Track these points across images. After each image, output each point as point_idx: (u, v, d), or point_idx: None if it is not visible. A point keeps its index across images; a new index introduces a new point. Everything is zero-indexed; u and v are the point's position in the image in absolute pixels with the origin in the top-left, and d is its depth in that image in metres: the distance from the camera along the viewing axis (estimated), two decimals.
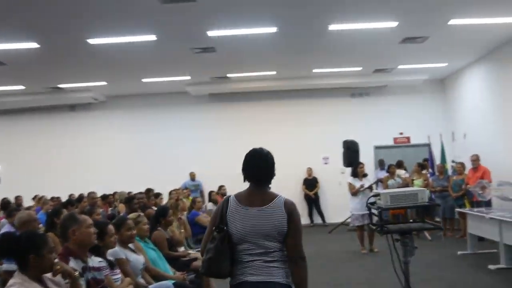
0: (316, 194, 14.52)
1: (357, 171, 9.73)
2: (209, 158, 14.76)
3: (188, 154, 14.79)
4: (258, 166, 3.28)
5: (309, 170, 14.56)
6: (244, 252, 3.07)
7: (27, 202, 12.48)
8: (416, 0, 8.02)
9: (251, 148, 3.44)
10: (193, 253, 7.01)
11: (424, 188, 4.97)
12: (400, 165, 12.47)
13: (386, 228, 4.50)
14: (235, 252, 3.08)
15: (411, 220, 4.94)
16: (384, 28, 9.31)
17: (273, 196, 3.17)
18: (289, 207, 3.11)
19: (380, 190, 11.80)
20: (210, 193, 11.55)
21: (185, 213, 8.96)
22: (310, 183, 14.55)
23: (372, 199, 5.02)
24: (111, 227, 4.54)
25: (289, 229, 3.06)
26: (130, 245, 5.05)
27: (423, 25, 9.33)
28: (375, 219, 5.36)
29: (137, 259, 4.92)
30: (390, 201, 4.49)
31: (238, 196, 3.23)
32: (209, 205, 11.10)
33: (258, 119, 15.03)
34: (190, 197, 12.16)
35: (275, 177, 3.31)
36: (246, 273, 3.04)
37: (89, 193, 10.52)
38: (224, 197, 3.36)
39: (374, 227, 4.58)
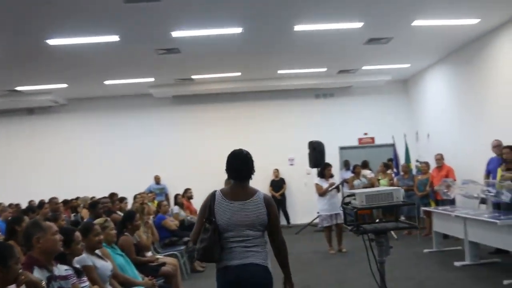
0: (283, 195, 14.48)
1: (325, 173, 9.73)
2: (174, 161, 14.63)
3: (153, 157, 14.62)
4: (239, 165, 3.74)
5: (276, 172, 14.55)
6: (228, 239, 3.54)
7: None
8: (380, 1, 8.06)
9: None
10: (161, 257, 6.90)
11: (399, 188, 4.98)
12: (365, 165, 12.57)
13: (362, 228, 4.48)
14: (220, 240, 3.54)
15: (379, 220, 4.95)
16: (349, 29, 9.35)
17: (254, 191, 3.69)
18: (268, 201, 3.67)
19: (346, 190, 11.95)
20: (176, 196, 11.38)
21: (151, 217, 8.81)
22: (277, 185, 14.52)
23: (346, 199, 5.01)
24: (78, 234, 4.40)
25: (270, 220, 3.62)
26: (97, 251, 4.91)
27: (387, 26, 9.42)
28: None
29: (105, 266, 4.79)
30: (366, 200, 4.49)
31: (223, 191, 3.70)
32: (175, 209, 10.92)
33: (222, 121, 14.98)
34: (156, 201, 12.03)
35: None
36: (229, 258, 3.52)
37: (51, 199, 10.25)
38: (211, 192, 3.74)
39: (349, 227, 4.54)
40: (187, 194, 12.31)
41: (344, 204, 4.96)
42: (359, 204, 4.52)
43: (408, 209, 10.69)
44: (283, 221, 14.45)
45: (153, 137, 14.80)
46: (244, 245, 3.54)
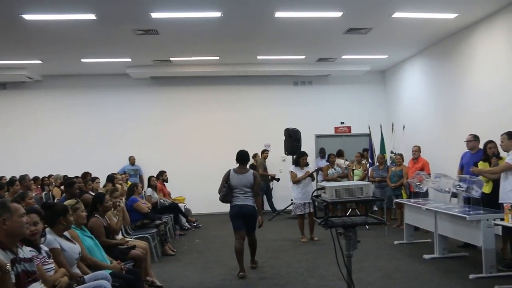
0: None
1: (300, 161, 9.73)
2: (149, 142, 14.59)
3: (128, 138, 14.56)
4: (242, 157, 7.44)
5: (257, 157, 14.50)
6: (235, 192, 7.25)
7: None
8: None
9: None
10: (131, 240, 6.83)
11: (368, 183, 5.02)
12: (340, 154, 12.63)
13: (330, 222, 4.49)
14: (232, 192, 7.26)
15: (351, 209, 4.97)
16: (329, 17, 9.33)
17: (248, 170, 7.42)
18: (254, 175, 7.35)
19: (321, 178, 12.02)
20: (150, 178, 11.32)
21: (123, 198, 8.74)
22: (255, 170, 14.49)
23: (316, 192, 5.01)
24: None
25: (254, 184, 7.27)
26: (65, 233, 4.85)
27: (367, 16, 9.42)
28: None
29: (73, 248, 4.73)
30: (336, 194, 4.50)
31: (235, 169, 7.37)
32: (148, 191, 10.88)
33: (200, 104, 14.92)
34: (129, 182, 11.95)
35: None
36: (236, 200, 7.23)
37: (22, 176, 10.07)
38: (227, 171, 7.41)
39: (318, 221, 4.56)
40: (162, 177, 12.28)
41: (314, 197, 4.96)
42: (329, 198, 4.53)
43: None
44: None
45: (129, 118, 14.70)
46: (243, 195, 7.22)
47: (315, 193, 5.09)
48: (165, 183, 12.37)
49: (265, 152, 13.99)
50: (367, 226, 10.64)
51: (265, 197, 13.38)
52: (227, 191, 7.26)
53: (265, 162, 13.72)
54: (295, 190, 9.63)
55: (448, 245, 7.83)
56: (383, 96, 15.28)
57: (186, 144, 14.68)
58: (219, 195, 7.37)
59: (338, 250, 4.62)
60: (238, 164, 7.42)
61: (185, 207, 12.32)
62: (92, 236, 5.58)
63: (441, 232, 7.62)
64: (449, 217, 7.28)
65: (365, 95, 15.28)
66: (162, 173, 12.33)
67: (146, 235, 8.08)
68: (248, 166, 7.56)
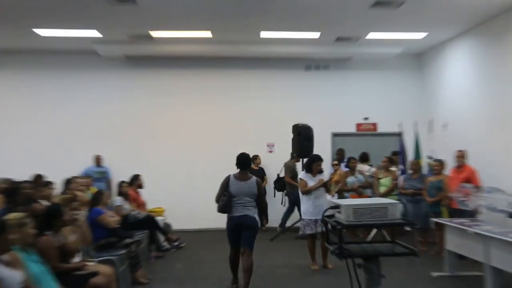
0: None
1: (312, 167, 9.56)
2: (121, 139, 14.53)
3: (94, 132, 14.48)
4: (243, 162, 8.13)
5: (258, 159, 14.42)
6: (235, 202, 7.84)
7: None
8: None
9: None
10: (93, 264, 6.67)
11: (396, 202, 4.83)
12: (364, 158, 12.49)
13: (346, 250, 4.31)
14: (231, 201, 7.80)
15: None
16: None
17: (250, 176, 8.07)
18: (257, 183, 8.05)
19: (335, 199, 11.87)
20: (120, 184, 11.14)
21: (84, 211, 8.57)
22: (256, 174, 14.24)
23: (329, 212, 4.85)
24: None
25: (258, 192, 7.99)
26: (5, 255, 4.70)
27: None
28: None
29: (12, 277, 4.63)
30: (353, 215, 4.39)
31: (235, 175, 8.01)
32: (118, 200, 10.73)
33: (187, 93, 14.86)
34: (93, 188, 11.76)
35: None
36: (234, 211, 7.84)
37: None
38: (226, 176, 8.07)
39: (330, 248, 4.39)
40: (137, 182, 12.08)
41: (327, 217, 4.81)
42: (345, 219, 4.41)
43: (414, 218, 10.60)
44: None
45: (97, 107, 14.59)
46: (243, 205, 7.85)
47: (327, 212, 4.94)
48: (139, 190, 12.20)
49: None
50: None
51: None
52: (227, 200, 7.81)
53: (295, 166, 13.53)
54: (305, 203, 9.55)
55: (504, 281, 7.57)
56: (419, 86, 15.17)
57: (168, 142, 14.59)
58: (216, 205, 7.98)
59: (356, 285, 4.45)
60: (238, 170, 8.08)
61: (164, 221, 12.21)
62: (41, 260, 5.44)
63: (495, 264, 7.36)
64: (506, 245, 7.04)
65: (396, 84, 15.19)
66: (136, 178, 12.16)
67: (112, 257, 7.95)
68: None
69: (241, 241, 7.88)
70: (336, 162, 12.32)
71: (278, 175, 13.48)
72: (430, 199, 10.65)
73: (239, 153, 8.16)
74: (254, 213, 7.90)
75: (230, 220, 7.90)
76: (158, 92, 14.78)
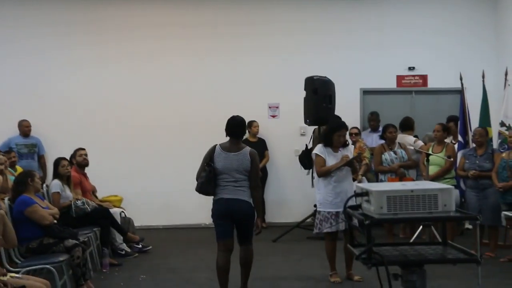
0: (264, 170, 14.25)
1: (333, 138, 9.58)
2: (58, 99, 14.61)
3: (18, 89, 14.57)
4: (235, 128, 8.29)
5: (254, 127, 14.49)
6: (222, 180, 8.05)
7: None
8: None
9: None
10: (18, 277, 6.70)
11: (450, 187, 4.84)
12: (406, 126, 12.52)
13: (377, 255, 4.39)
14: (217, 179, 8.06)
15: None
16: None
17: (243, 146, 8.25)
18: (252, 154, 8.14)
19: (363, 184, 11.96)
20: (58, 161, 11.10)
21: (5, 199, 8.66)
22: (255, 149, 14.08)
23: (353, 200, 4.91)
24: None
25: (251, 168, 8.07)
26: None
27: None
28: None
29: None
30: (387, 206, 4.41)
31: (222, 145, 8.20)
32: (54, 185, 10.66)
33: (148, 33, 14.89)
34: (18, 167, 11.77)
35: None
36: (222, 193, 8.03)
37: None
38: (211, 147, 8.28)
39: (355, 251, 4.47)
40: (79, 158, 11.94)
41: (350, 208, 4.87)
42: (376, 211, 4.43)
43: (479, 211, 10.65)
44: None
45: (19, 52, 14.68)
46: (233, 184, 8.04)
47: (352, 201, 4.99)
48: (85, 170, 12.18)
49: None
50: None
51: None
52: (208, 177, 8.04)
53: None
54: (322, 189, 9.52)
55: None
56: (491, 23, 15.19)
57: (128, 107, 14.67)
58: (196, 183, 8.17)
59: None
60: (228, 138, 8.30)
61: (123, 215, 12.24)
62: None
63: None
64: None
65: (457, 21, 15.18)
66: (76, 152, 11.80)
67: (47, 266, 7.97)
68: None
69: (237, 236, 8.18)
70: (356, 131, 12.21)
71: (306, 146, 13.14)
72: (502, 185, 10.61)
73: (232, 116, 8.32)
74: (249, 196, 8.10)
75: (216, 203, 8.13)
76: (107, 33, 14.90)
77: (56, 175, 10.93)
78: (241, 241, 8.17)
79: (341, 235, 9.56)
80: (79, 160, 11.83)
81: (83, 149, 12.04)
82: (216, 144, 8.20)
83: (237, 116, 8.32)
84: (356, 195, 4.87)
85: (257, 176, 8.22)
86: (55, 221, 9.21)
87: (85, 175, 12.08)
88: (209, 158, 8.06)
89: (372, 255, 4.35)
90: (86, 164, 12.05)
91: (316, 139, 13.07)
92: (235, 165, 7.97)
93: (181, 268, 10.62)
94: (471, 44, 14.91)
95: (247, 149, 8.17)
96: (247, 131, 13.43)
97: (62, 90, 14.61)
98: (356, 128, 12.20)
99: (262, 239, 10.85)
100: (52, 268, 7.92)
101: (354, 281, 9.46)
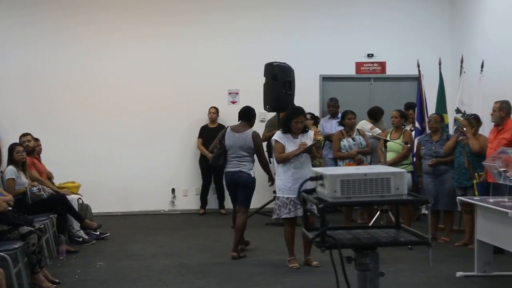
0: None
1: (291, 125, 9.58)
2: (14, 80, 14.59)
3: None
4: (241, 114, 10.70)
5: (213, 113, 14.59)
6: (229, 155, 10.39)
7: None
8: None
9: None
10: None
11: (402, 170, 4.84)
12: (373, 116, 12.56)
13: (330, 238, 4.38)
14: (226, 155, 10.42)
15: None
16: None
17: (248, 128, 10.49)
18: (254, 136, 10.38)
19: (327, 154, 11.98)
20: (13, 147, 10.97)
21: None
22: (212, 137, 13.95)
23: (309, 184, 4.90)
24: None
25: (255, 147, 10.38)
26: None
27: None
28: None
29: None
30: (341, 190, 4.40)
31: (232, 127, 10.58)
32: (9, 171, 10.56)
33: (113, 19, 14.95)
34: None
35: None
36: (229, 167, 10.44)
37: None
38: (224, 128, 10.99)
39: (310, 235, 4.45)
40: (26, 145, 11.73)
41: (304, 192, 4.85)
42: (330, 195, 4.40)
43: (435, 197, 10.70)
44: (213, 205, 14.78)
45: None
46: (237, 159, 10.20)
47: (307, 185, 4.98)
48: (38, 155, 12.09)
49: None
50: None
51: None
52: (219, 152, 10.31)
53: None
54: (281, 175, 9.60)
55: None
56: (447, 11, 15.33)
57: (85, 89, 14.71)
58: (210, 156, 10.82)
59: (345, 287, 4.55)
60: (239, 121, 10.59)
61: (80, 201, 12.20)
62: None
63: None
64: None
65: (414, 9, 15.33)
66: (22, 138, 11.75)
67: (1, 253, 7.92)
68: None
69: (237, 200, 10.38)
70: (309, 117, 12.21)
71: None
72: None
73: (244, 106, 10.78)
74: (249, 168, 10.24)
75: (225, 175, 10.56)
76: (65, 12, 14.89)
77: (11, 161, 10.85)
78: (238, 204, 10.33)
79: (300, 221, 9.60)
80: (27, 147, 11.46)
81: (29, 134, 11.91)
82: (228, 126, 10.65)
83: (248, 106, 10.73)
84: (311, 179, 4.86)
85: (263, 153, 10.60)
86: (10, 208, 9.18)
87: (40, 160, 12.06)
88: (222, 137, 10.35)
89: (325, 238, 4.34)
90: (38, 152, 12.13)
91: (271, 127, 13.19)
92: (239, 144, 10.15)
93: (140, 255, 10.63)
94: (428, 32, 15.15)
95: (250, 130, 10.31)
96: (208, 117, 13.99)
97: (20, 72, 14.56)
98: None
99: (221, 226, 10.90)
100: (6, 256, 7.88)
101: (312, 266, 9.57)
